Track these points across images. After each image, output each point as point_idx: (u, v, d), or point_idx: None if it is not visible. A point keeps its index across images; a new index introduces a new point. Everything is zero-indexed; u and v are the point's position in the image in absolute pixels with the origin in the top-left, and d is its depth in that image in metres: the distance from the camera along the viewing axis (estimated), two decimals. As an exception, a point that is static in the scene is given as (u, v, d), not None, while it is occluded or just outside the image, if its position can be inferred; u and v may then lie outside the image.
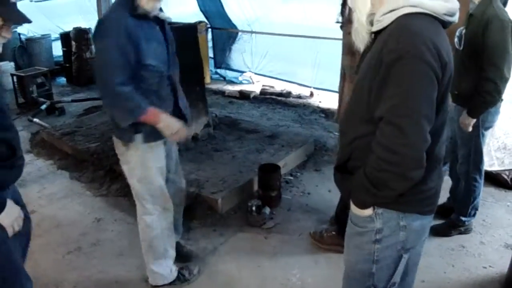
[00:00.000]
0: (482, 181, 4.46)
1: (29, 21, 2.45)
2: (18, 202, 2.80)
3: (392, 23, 2.01)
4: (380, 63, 1.95)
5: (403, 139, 1.94)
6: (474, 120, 4.07)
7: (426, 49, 1.89)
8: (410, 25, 1.95)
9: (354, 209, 2.26)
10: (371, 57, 2.06)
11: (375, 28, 2.09)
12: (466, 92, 3.99)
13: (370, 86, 2.03)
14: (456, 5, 2.07)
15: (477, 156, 4.33)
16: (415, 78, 1.91)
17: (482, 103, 3.93)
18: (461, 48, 4.01)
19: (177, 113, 3.54)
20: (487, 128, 4.24)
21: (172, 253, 3.86)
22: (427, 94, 1.94)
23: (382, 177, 2.04)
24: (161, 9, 3.40)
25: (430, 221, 2.33)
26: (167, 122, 3.35)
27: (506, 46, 3.81)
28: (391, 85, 1.93)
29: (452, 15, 2.05)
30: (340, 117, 2.38)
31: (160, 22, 3.39)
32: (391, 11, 2.01)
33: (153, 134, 3.42)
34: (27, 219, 2.96)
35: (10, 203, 2.51)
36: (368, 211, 2.21)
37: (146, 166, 3.52)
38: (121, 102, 3.22)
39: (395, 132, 1.95)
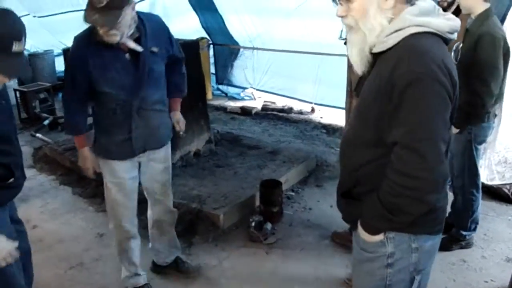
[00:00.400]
0: (479, 195, 4.49)
1: (23, 75, 2.57)
2: (13, 217, 2.90)
3: (397, 44, 2.00)
4: (391, 87, 1.93)
5: (423, 164, 1.92)
6: (457, 131, 4.13)
7: (438, 69, 1.89)
8: (420, 45, 1.95)
9: (363, 235, 2.22)
10: (378, 80, 2.03)
11: (378, 49, 2.06)
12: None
13: (381, 110, 2.00)
14: (458, 22, 2.09)
15: (472, 170, 4.36)
16: (431, 99, 1.90)
17: (466, 115, 3.99)
18: (457, 62, 4.04)
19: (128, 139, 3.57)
20: (480, 143, 4.29)
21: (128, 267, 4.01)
22: (443, 115, 1.94)
23: (399, 202, 2.02)
24: (139, 39, 3.35)
25: (439, 240, 2.29)
26: (81, 156, 3.71)
27: (495, 62, 3.90)
28: (407, 108, 1.91)
29: (453, 32, 2.07)
30: (342, 141, 2.35)
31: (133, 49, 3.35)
32: (396, 31, 2.00)
33: (103, 152, 3.65)
34: (22, 234, 3.06)
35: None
36: (379, 236, 2.18)
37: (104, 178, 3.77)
38: (65, 116, 3.73)
39: (413, 157, 1.93)
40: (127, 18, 3.14)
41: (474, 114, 4.03)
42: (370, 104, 2.06)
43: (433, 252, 2.29)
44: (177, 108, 3.92)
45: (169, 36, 3.64)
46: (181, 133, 3.95)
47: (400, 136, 1.95)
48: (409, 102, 1.90)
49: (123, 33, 3.17)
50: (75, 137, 3.70)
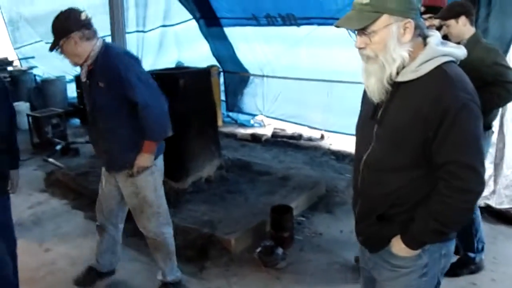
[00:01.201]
0: (478, 213, 4.53)
1: None
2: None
3: (428, 72, 2.15)
4: (443, 112, 2.07)
5: (477, 178, 2.14)
6: None
7: (474, 94, 2.12)
8: (458, 74, 2.16)
9: (401, 251, 2.34)
10: (415, 107, 2.14)
11: (408, 77, 2.18)
12: None
13: (423, 135, 2.14)
14: (465, 50, 2.30)
15: None
16: (477, 121, 2.12)
17: None
18: None
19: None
20: None
21: None
22: (482, 132, 2.17)
23: (455, 215, 2.21)
24: (93, 70, 3.79)
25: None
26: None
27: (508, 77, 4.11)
28: (458, 131, 2.09)
29: (463, 58, 2.28)
30: (364, 167, 2.41)
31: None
32: (427, 60, 2.15)
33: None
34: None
35: None
36: (418, 250, 2.32)
37: None
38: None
39: (473, 174, 2.13)
40: (70, 49, 3.70)
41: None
42: (408, 130, 2.18)
43: (453, 253, 2.53)
44: (143, 150, 3.91)
45: (121, 78, 3.68)
46: (130, 173, 3.98)
47: (454, 156, 2.12)
48: (461, 126, 2.08)
49: (72, 60, 3.80)
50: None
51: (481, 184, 2.16)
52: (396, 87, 2.23)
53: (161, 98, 3.91)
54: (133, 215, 4.23)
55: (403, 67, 2.19)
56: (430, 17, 4.56)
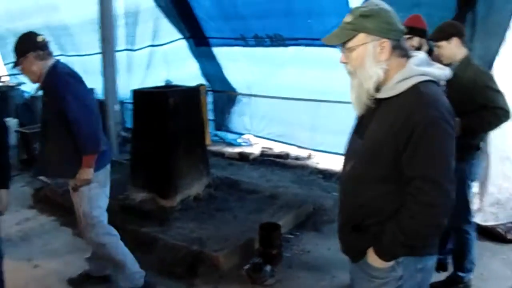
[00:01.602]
0: (474, 233, 4.56)
1: None
2: None
3: (405, 91, 2.25)
4: (412, 128, 2.17)
5: (443, 193, 2.19)
6: None
7: (447, 113, 2.20)
8: (431, 93, 2.23)
9: (376, 262, 2.41)
10: (390, 123, 2.25)
11: (386, 95, 2.31)
12: None
13: (396, 150, 2.23)
14: (449, 71, 2.41)
15: (465, 208, 4.44)
16: (446, 139, 2.19)
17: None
18: None
19: None
20: (473, 180, 4.43)
21: None
22: (452, 150, 2.21)
23: (420, 229, 2.25)
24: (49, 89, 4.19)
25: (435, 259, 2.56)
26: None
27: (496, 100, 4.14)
28: (426, 147, 2.18)
29: (445, 79, 2.39)
30: (344, 180, 2.55)
31: None
32: (404, 79, 2.26)
33: None
34: None
35: None
36: (391, 262, 2.38)
37: None
38: None
39: (437, 189, 2.19)
40: (27, 67, 4.18)
41: (468, 151, 4.19)
42: (383, 144, 2.28)
43: (432, 269, 2.57)
44: (83, 164, 4.14)
45: (58, 95, 4.06)
46: (72, 187, 4.31)
47: (423, 172, 2.20)
48: (428, 142, 2.17)
49: (30, 77, 4.28)
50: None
51: (446, 199, 2.20)
52: (378, 104, 2.36)
53: (93, 116, 4.15)
54: None
55: (381, 85, 2.33)
56: (409, 38, 4.62)
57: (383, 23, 2.26)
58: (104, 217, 4.48)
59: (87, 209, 4.31)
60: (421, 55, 2.37)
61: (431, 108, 2.17)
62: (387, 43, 2.27)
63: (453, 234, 4.62)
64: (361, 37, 2.29)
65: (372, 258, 2.41)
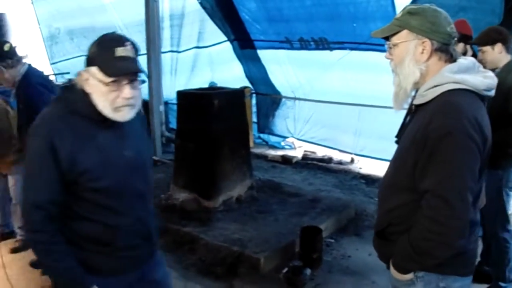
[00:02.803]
0: None
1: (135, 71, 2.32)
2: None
3: (435, 98, 2.17)
4: (426, 138, 2.09)
5: (450, 211, 2.06)
6: None
7: (470, 125, 2.05)
8: (455, 102, 2.11)
9: (395, 274, 2.35)
10: (414, 130, 2.20)
11: (418, 101, 2.26)
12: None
13: (415, 159, 2.16)
14: (495, 80, 2.26)
15: (503, 216, 4.37)
16: (461, 153, 2.05)
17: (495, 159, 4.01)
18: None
19: None
20: (511, 188, 4.33)
21: None
22: (471, 167, 2.08)
23: (427, 246, 2.16)
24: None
25: (469, 283, 2.39)
26: None
27: None
28: (439, 159, 2.07)
29: (490, 90, 2.22)
30: (380, 185, 2.54)
31: None
32: (435, 86, 2.18)
33: None
34: None
35: None
36: (410, 275, 2.31)
37: None
38: None
39: (442, 205, 2.07)
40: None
41: (504, 158, 4.11)
42: (407, 152, 2.23)
43: None
44: None
45: (32, 104, 4.38)
46: None
47: (431, 185, 2.10)
48: (441, 154, 2.07)
49: (4, 84, 4.61)
50: None
51: (453, 219, 2.08)
52: (415, 110, 2.33)
53: None
54: None
55: (417, 89, 2.28)
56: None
57: (427, 22, 2.20)
58: None
59: None
60: (466, 61, 2.27)
61: (449, 117, 2.07)
62: (428, 44, 2.22)
63: (492, 242, 4.52)
64: (404, 33, 2.26)
65: (391, 268, 2.38)
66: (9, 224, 5.86)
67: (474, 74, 2.22)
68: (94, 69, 2.24)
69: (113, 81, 2.23)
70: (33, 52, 14.31)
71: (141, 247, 2.54)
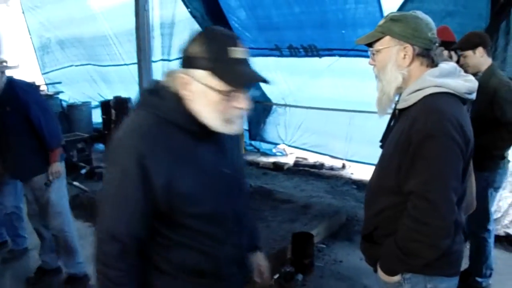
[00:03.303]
0: (491, 240, 4.57)
1: (262, 81, 2.02)
2: None
3: (417, 102, 2.22)
4: (410, 141, 2.15)
5: (434, 212, 2.11)
6: None
7: (452, 127, 2.10)
8: (437, 105, 2.17)
9: (382, 276, 2.39)
10: (398, 134, 2.26)
11: (401, 106, 2.32)
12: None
13: (399, 162, 2.21)
14: (475, 84, 2.31)
15: (484, 215, 4.43)
16: (444, 154, 2.11)
17: (481, 161, 3.99)
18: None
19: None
20: (496, 189, 4.42)
21: None
22: (454, 168, 2.14)
23: (414, 247, 2.19)
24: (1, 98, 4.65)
25: (456, 283, 2.43)
26: None
27: None
28: (421, 161, 2.12)
29: (471, 93, 2.28)
30: (366, 189, 2.59)
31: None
32: (417, 90, 2.24)
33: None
34: None
35: None
36: (397, 277, 2.34)
37: None
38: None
39: (426, 205, 2.12)
40: None
41: (491, 160, 4.17)
42: (391, 156, 2.28)
43: None
44: (51, 160, 4.75)
45: (20, 102, 4.58)
46: (46, 182, 4.76)
47: (416, 187, 2.15)
48: (424, 156, 2.12)
49: None
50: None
51: (436, 219, 2.12)
52: (398, 115, 2.39)
53: (53, 117, 4.87)
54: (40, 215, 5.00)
55: (400, 94, 2.34)
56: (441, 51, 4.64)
57: (409, 28, 2.26)
58: (68, 206, 5.12)
59: (55, 199, 4.84)
60: (448, 65, 2.33)
61: (432, 120, 2.12)
62: (409, 49, 2.27)
63: (471, 239, 4.63)
64: (386, 39, 2.32)
65: (379, 271, 2.41)
66: (2, 234, 5.87)
67: (455, 78, 2.28)
68: (204, 73, 1.87)
69: (232, 90, 1.89)
70: (25, 62, 14.34)
71: (236, 276, 2.22)
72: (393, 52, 2.30)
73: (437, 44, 2.34)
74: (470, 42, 4.32)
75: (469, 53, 4.31)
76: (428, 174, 2.12)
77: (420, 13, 2.34)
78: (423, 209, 2.13)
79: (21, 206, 5.72)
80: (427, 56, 2.30)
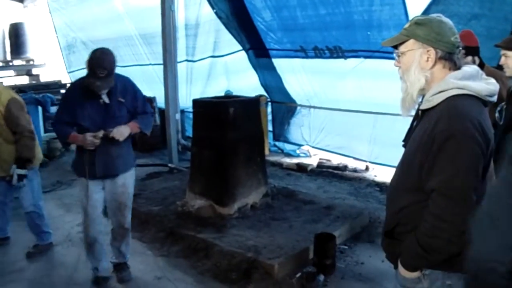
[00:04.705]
0: None
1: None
2: None
3: (440, 103, 2.28)
4: (432, 141, 2.21)
5: (454, 209, 2.17)
6: None
7: (473, 128, 2.16)
8: (459, 106, 2.23)
9: (402, 271, 2.43)
10: (421, 134, 2.32)
11: (424, 106, 2.37)
12: None
13: (422, 161, 2.28)
14: (496, 87, 2.37)
15: None
16: (465, 154, 2.16)
17: None
18: (501, 122, 4.12)
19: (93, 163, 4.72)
20: None
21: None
22: (475, 168, 2.19)
23: (434, 243, 2.25)
24: (110, 92, 4.64)
25: None
26: (81, 140, 4.58)
27: None
28: (444, 160, 2.18)
29: (492, 95, 2.33)
30: (388, 186, 2.65)
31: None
32: (440, 92, 2.29)
33: (78, 171, 4.83)
34: None
35: None
36: (417, 273, 2.39)
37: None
38: (56, 132, 4.89)
39: (448, 203, 2.18)
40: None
41: None
42: (414, 154, 2.34)
43: None
44: (128, 125, 4.77)
45: (135, 94, 4.87)
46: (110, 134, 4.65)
47: (437, 184, 2.21)
48: (446, 155, 2.18)
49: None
50: (70, 137, 4.67)
51: (456, 215, 2.17)
52: (421, 115, 2.44)
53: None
54: (116, 212, 5.03)
55: (423, 95, 2.40)
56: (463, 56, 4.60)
57: (433, 32, 2.34)
58: None
59: (128, 201, 5.06)
60: (470, 69, 2.38)
61: (454, 120, 2.19)
62: (432, 52, 2.35)
63: None
64: (411, 43, 2.40)
65: (400, 267, 2.45)
66: (5, 230, 6.11)
67: (477, 81, 2.33)
68: None
69: None
70: (52, 60, 14.54)
71: None
72: (417, 55, 2.38)
73: (460, 48, 2.39)
74: None
75: (510, 53, 4.20)
76: (449, 173, 2.19)
77: (443, 18, 2.40)
78: (444, 206, 2.20)
79: (40, 204, 5.82)
80: (449, 59, 2.37)
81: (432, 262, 2.33)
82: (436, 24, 2.36)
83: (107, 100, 4.59)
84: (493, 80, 2.40)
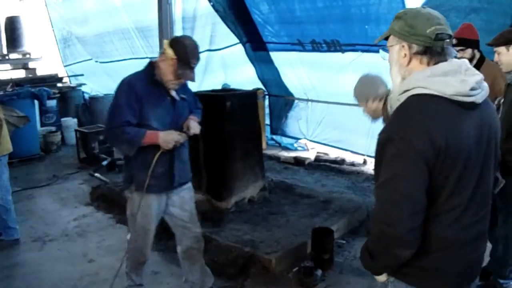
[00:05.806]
0: None
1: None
2: None
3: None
4: (377, 143, 2.14)
5: (383, 217, 2.09)
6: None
7: (412, 131, 2.01)
8: (408, 108, 2.10)
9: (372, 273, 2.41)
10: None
11: (394, 106, 2.24)
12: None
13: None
14: (480, 85, 2.15)
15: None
16: (400, 160, 2.03)
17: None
18: (500, 116, 4.01)
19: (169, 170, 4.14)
20: None
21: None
22: (411, 176, 2.02)
23: (372, 249, 2.21)
24: (184, 88, 4.34)
25: None
26: (163, 138, 3.94)
27: None
28: (382, 165, 2.09)
29: (466, 95, 2.08)
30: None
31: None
32: (405, 91, 2.16)
33: (141, 187, 4.00)
34: None
35: None
36: (382, 277, 2.34)
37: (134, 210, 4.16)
38: (123, 136, 3.89)
39: (378, 208, 2.13)
40: None
41: None
42: (376, 158, 2.24)
43: None
44: (192, 117, 4.35)
45: (189, 90, 4.53)
46: (191, 132, 4.24)
47: (375, 189, 2.16)
48: (384, 160, 2.08)
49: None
50: (147, 137, 3.92)
51: (383, 224, 2.07)
52: None
53: None
54: (187, 222, 4.40)
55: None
56: (461, 50, 4.56)
57: (406, 26, 2.18)
58: None
59: (194, 206, 4.53)
60: (449, 63, 2.17)
61: (396, 123, 2.09)
62: (404, 48, 2.20)
63: (501, 243, 4.49)
64: (390, 38, 2.28)
65: None
66: None
67: (454, 77, 2.10)
68: None
69: None
70: (48, 54, 14.49)
71: None
72: (395, 51, 2.25)
73: (445, 40, 2.16)
74: (504, 38, 4.16)
75: (502, 49, 4.14)
76: (383, 178, 2.08)
77: (426, 9, 2.24)
78: (376, 211, 2.15)
79: (9, 198, 5.76)
80: (427, 54, 2.18)
81: (377, 268, 2.30)
82: (410, 17, 2.20)
83: (177, 97, 4.13)
84: (477, 78, 2.15)
